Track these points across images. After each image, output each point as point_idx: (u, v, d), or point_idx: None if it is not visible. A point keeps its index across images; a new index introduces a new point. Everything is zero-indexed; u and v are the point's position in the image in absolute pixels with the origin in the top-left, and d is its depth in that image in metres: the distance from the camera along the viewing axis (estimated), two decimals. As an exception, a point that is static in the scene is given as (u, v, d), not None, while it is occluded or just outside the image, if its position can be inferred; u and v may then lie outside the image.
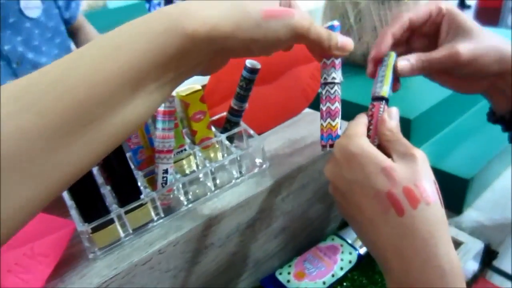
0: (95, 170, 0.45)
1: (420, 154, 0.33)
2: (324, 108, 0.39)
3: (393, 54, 0.41)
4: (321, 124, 0.39)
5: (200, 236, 0.43)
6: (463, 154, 0.60)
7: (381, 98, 0.40)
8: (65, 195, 0.41)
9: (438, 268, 0.30)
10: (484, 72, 0.42)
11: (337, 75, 0.39)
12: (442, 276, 0.30)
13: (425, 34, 0.45)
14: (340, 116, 0.39)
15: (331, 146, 0.38)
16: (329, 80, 0.39)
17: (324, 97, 0.39)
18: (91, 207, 0.40)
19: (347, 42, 0.36)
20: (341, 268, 0.49)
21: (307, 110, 0.62)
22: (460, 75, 0.44)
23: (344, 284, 0.49)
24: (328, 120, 0.39)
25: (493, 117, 0.47)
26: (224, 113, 0.50)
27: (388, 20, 0.70)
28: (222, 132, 0.48)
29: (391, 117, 0.37)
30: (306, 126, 0.59)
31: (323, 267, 0.50)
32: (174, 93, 0.41)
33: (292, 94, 0.59)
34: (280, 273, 0.50)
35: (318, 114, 0.62)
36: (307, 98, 0.60)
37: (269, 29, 0.30)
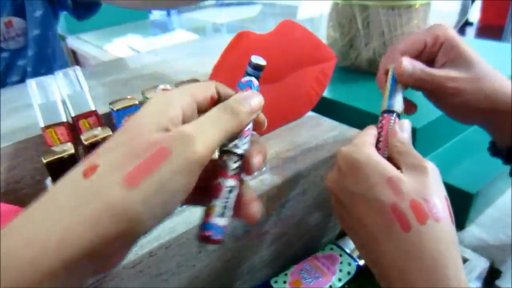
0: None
1: (432, 167, 0.31)
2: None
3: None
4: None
5: (194, 240, 0.41)
6: (468, 168, 0.58)
7: (391, 111, 0.38)
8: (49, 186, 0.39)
9: None
10: (475, 108, 0.40)
11: (242, 144, 0.28)
12: None
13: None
14: (225, 199, 0.26)
15: (203, 239, 0.26)
16: (228, 147, 0.27)
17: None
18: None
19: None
20: (339, 280, 0.47)
21: (310, 113, 0.60)
22: (453, 106, 0.42)
23: (342, 296, 0.47)
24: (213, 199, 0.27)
25: (492, 149, 0.45)
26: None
27: (397, 26, 0.69)
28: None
29: (403, 130, 0.35)
30: (309, 130, 0.57)
31: (320, 278, 0.47)
32: (166, 86, 0.39)
33: (296, 96, 0.57)
34: (276, 282, 0.48)
35: (322, 118, 0.60)
36: (311, 101, 0.59)
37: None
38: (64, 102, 0.41)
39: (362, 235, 0.32)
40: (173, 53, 0.69)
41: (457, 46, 0.40)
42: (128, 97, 0.41)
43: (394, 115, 0.38)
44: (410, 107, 0.44)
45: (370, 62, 0.75)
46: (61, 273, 0.19)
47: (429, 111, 0.59)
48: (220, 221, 0.26)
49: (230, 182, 0.27)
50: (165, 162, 0.21)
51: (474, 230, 0.56)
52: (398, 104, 0.39)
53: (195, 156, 0.22)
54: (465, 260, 0.45)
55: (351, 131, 0.56)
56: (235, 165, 0.27)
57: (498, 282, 0.49)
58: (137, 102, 0.41)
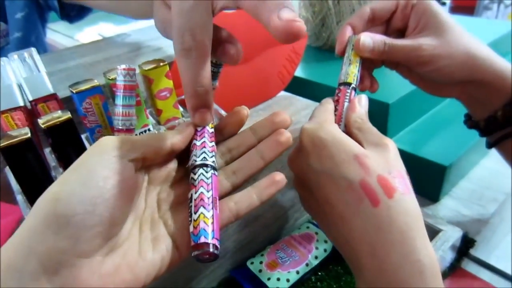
0: (46, 152, 0.41)
1: (392, 144, 0.31)
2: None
3: (354, 37, 0.39)
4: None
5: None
6: (441, 142, 0.59)
7: (347, 84, 0.37)
8: (11, 178, 0.37)
9: (417, 263, 0.27)
10: (450, 77, 0.39)
11: (210, 157, 0.30)
12: (421, 272, 0.27)
13: (396, 30, 0.43)
14: (206, 208, 0.27)
15: (194, 248, 0.26)
16: (198, 162, 0.29)
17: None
18: (40, 192, 0.36)
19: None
20: (316, 257, 0.47)
21: (282, 93, 0.60)
22: (427, 78, 0.41)
23: (319, 274, 0.47)
24: (192, 213, 0.28)
25: (469, 122, 0.45)
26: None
27: (368, 3, 0.68)
28: (190, 112, 0.45)
29: (361, 105, 0.35)
30: (282, 110, 0.56)
31: (297, 257, 0.47)
32: (136, 67, 0.37)
33: (268, 76, 0.56)
34: (252, 263, 0.47)
35: (295, 97, 0.59)
36: (283, 80, 0.58)
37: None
38: (20, 86, 0.39)
39: (329, 215, 0.31)
40: (140, 36, 0.67)
41: (429, 9, 0.38)
42: (89, 79, 0.40)
43: (350, 88, 0.37)
44: (372, 84, 0.43)
45: (343, 40, 0.74)
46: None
47: (400, 86, 0.59)
48: (201, 225, 0.27)
49: (191, 192, 0.28)
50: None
51: (449, 203, 0.57)
52: (354, 76, 0.38)
53: None
54: (439, 231, 0.45)
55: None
56: (209, 175, 0.29)
57: (472, 252, 0.50)
58: (98, 84, 0.39)
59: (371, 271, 0.28)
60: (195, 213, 0.27)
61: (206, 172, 0.29)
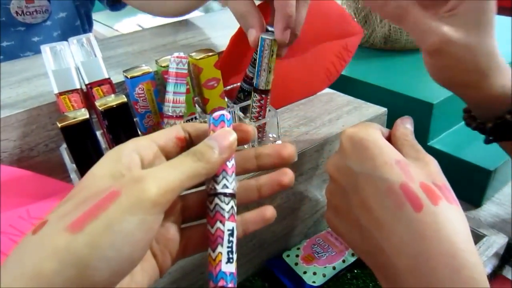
0: (98, 134, 0.42)
1: (434, 161, 0.29)
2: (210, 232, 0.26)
3: (274, 42, 0.38)
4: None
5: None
6: (486, 145, 0.57)
7: (268, 91, 0.41)
8: (66, 157, 0.39)
9: (471, 281, 0.23)
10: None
11: (230, 182, 0.27)
12: None
13: None
14: (227, 243, 0.25)
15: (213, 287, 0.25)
16: (218, 190, 0.26)
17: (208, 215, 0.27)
18: (93, 171, 0.37)
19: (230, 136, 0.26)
20: (353, 254, 0.47)
21: (325, 89, 0.59)
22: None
23: (355, 271, 0.47)
24: (209, 250, 0.26)
25: (468, 119, 0.42)
26: (238, 84, 0.47)
27: None
28: (235, 103, 0.46)
29: (408, 125, 0.33)
30: (322, 106, 0.56)
31: (333, 252, 0.47)
32: (180, 54, 0.38)
33: (315, 71, 0.56)
34: (288, 256, 0.48)
35: (336, 93, 0.59)
36: (329, 77, 0.57)
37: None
38: (77, 69, 0.40)
39: (363, 221, 0.28)
40: (181, 28, 0.68)
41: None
42: (141, 65, 0.41)
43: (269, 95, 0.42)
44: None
45: (385, 38, 0.73)
46: None
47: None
48: (229, 268, 0.25)
49: (229, 225, 0.26)
50: (114, 203, 0.20)
51: (491, 208, 0.55)
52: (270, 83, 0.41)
53: (144, 194, 0.21)
54: (482, 236, 0.44)
55: (365, 105, 0.55)
56: (229, 206, 0.26)
57: (514, 260, 0.48)
58: (150, 70, 0.40)
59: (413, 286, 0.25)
60: (212, 250, 0.26)
61: (227, 203, 0.26)
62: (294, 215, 0.50)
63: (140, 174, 0.22)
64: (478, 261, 0.25)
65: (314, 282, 0.44)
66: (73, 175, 0.37)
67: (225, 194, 0.26)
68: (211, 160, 0.24)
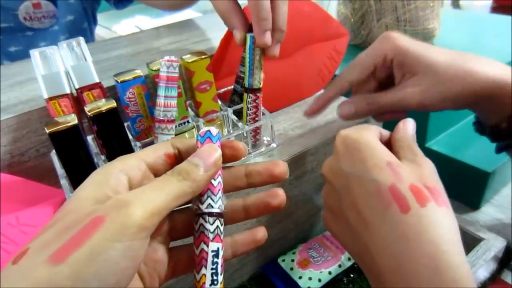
0: (89, 139, 0.42)
1: (430, 163, 0.29)
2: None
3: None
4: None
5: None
6: (484, 146, 0.56)
7: (259, 89, 0.41)
8: (56, 163, 0.38)
9: (451, 284, 0.23)
10: (451, 105, 0.39)
11: (215, 202, 0.26)
12: None
13: (385, 79, 0.42)
14: (211, 265, 0.25)
15: None
16: (203, 210, 0.26)
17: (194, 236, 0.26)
18: (83, 176, 0.36)
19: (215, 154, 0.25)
20: (349, 259, 0.46)
21: (320, 91, 0.59)
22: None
23: (351, 275, 0.46)
24: (194, 272, 0.26)
25: (477, 124, 0.43)
26: (232, 87, 0.46)
27: (411, 0, 0.66)
28: (229, 106, 0.45)
29: (410, 128, 0.33)
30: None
31: (329, 257, 0.46)
32: (171, 57, 0.37)
33: (308, 73, 0.55)
34: (283, 260, 0.47)
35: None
36: (323, 79, 0.57)
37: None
38: (67, 74, 0.40)
39: (353, 221, 0.28)
40: (178, 30, 0.68)
41: (409, 57, 0.38)
42: (132, 69, 0.40)
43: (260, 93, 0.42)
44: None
45: (383, 39, 0.73)
46: None
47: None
48: None
49: (213, 246, 0.25)
50: (98, 230, 0.20)
51: (490, 210, 0.55)
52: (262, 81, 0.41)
53: (130, 219, 0.20)
54: (480, 240, 0.43)
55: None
56: (214, 226, 0.25)
57: (513, 263, 0.48)
58: (141, 74, 0.39)
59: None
60: (197, 272, 0.25)
61: (212, 223, 0.25)
62: (290, 218, 0.50)
63: (125, 197, 0.22)
64: (463, 262, 0.24)
65: (309, 287, 0.43)
66: (63, 181, 0.37)
67: (210, 214, 0.25)
68: (196, 178, 0.24)
